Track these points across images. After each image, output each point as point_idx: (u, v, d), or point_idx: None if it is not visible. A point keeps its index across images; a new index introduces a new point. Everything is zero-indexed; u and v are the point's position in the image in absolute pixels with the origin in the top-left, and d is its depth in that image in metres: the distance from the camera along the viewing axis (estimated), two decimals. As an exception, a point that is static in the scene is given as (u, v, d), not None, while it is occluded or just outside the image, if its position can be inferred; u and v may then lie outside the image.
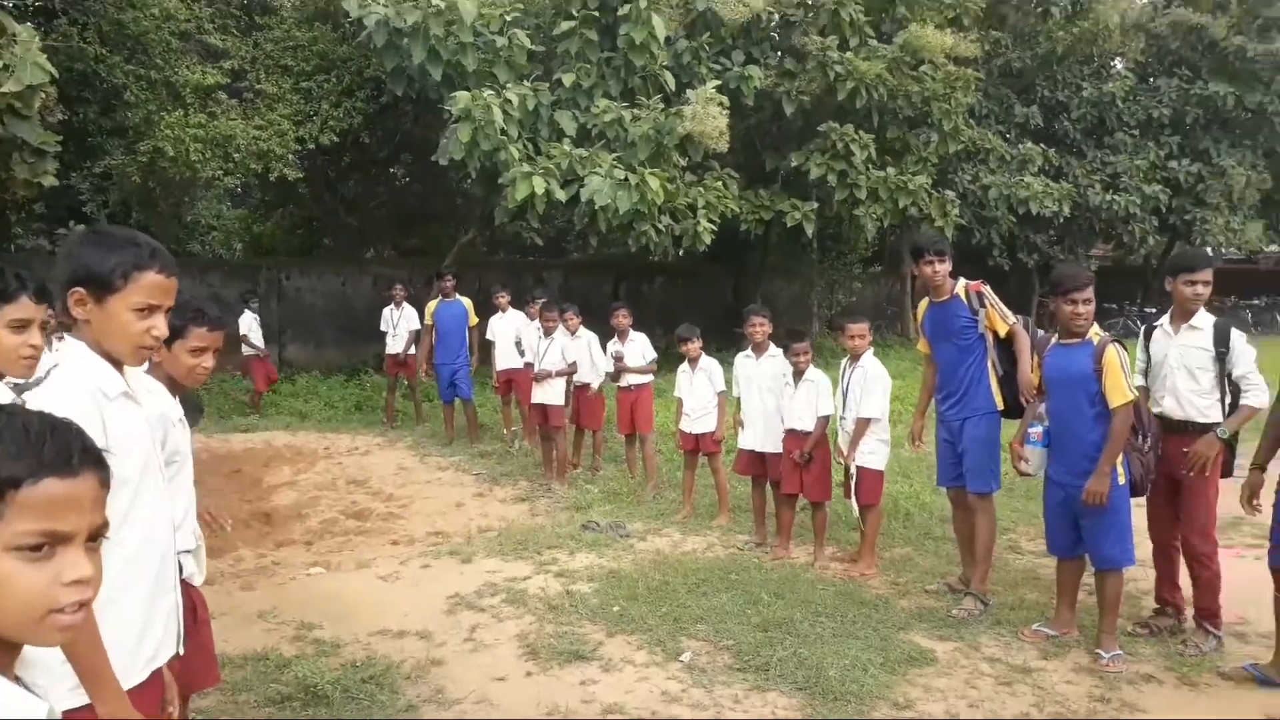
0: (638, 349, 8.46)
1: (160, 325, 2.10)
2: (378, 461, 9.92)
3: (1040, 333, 5.23)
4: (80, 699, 1.89)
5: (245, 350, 12.36)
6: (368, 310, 13.83)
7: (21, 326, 2.52)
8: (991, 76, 19.22)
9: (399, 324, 11.41)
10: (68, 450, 1.15)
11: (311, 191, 16.75)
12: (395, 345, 11.44)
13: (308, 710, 4.02)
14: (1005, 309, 5.20)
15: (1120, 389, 4.38)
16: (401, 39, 11.53)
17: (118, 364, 2.12)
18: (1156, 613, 5.01)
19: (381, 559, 6.44)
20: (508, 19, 12.26)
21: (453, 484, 8.92)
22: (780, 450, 6.30)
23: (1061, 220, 18.87)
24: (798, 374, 6.13)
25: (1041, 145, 18.88)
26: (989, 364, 5.18)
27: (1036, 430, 4.78)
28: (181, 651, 2.28)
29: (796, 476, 6.10)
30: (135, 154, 11.93)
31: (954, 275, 5.38)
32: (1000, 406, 5.20)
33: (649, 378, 8.47)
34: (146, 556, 2.09)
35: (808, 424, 6.06)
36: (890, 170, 14.65)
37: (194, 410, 3.36)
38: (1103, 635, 4.58)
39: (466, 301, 10.63)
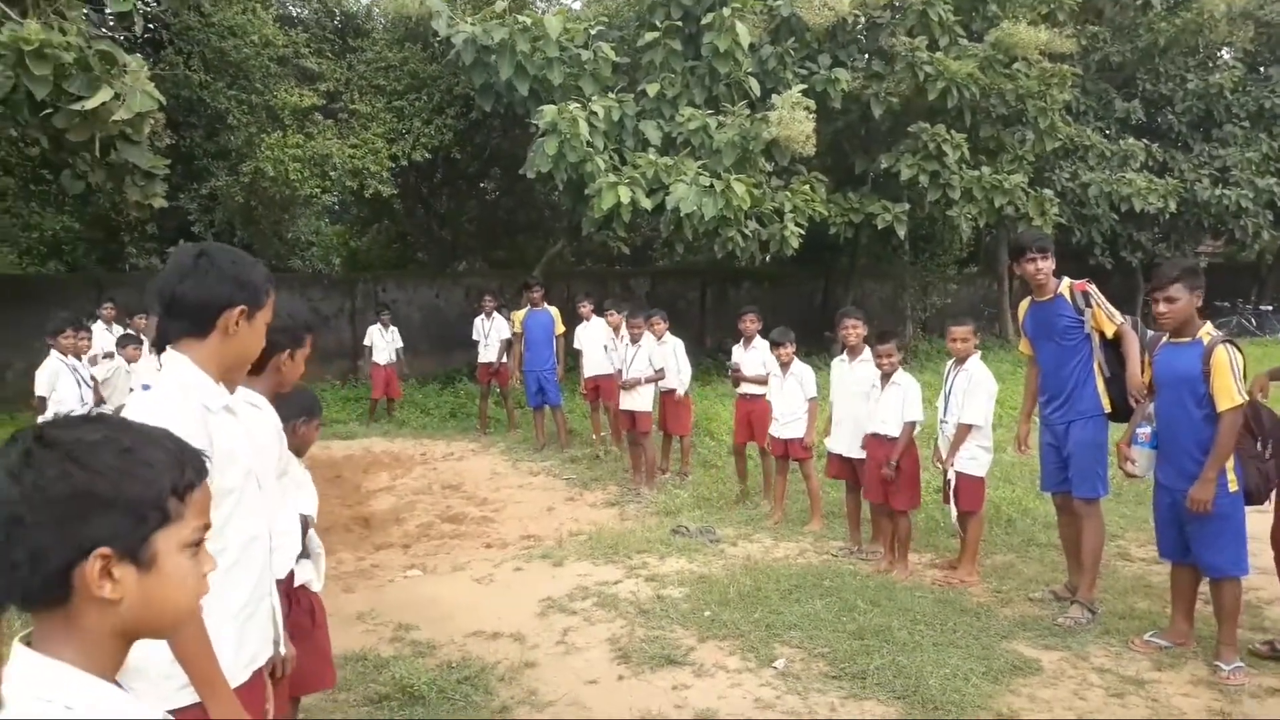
0: (758, 357, 8.00)
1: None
2: (472, 467, 10.10)
3: (1149, 332, 5.01)
4: (188, 698, 1.97)
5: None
6: (460, 320, 14.12)
7: None
8: (1089, 72, 18.58)
9: (490, 333, 11.66)
10: (200, 458, 1.28)
11: (405, 207, 17.22)
12: (487, 354, 11.68)
13: (405, 710, 4.09)
14: (1112, 309, 4.99)
15: (1228, 392, 4.17)
16: (489, 56, 11.76)
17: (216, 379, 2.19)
18: None
19: (476, 562, 6.55)
20: (592, 32, 12.40)
21: (544, 488, 9.02)
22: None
23: (1167, 217, 18.10)
24: (885, 377, 5.99)
25: (1144, 140, 18.15)
26: (1095, 365, 4.98)
27: (1145, 431, 4.58)
28: (283, 652, 2.34)
29: (880, 484, 5.96)
30: (238, 175, 12.44)
31: (1057, 274, 5.19)
32: (1107, 409, 4.99)
33: (765, 388, 7.76)
34: (248, 562, 2.16)
35: (891, 429, 5.92)
36: (985, 169, 14.28)
37: (314, 405, 3.49)
38: (1221, 646, 4.35)
39: (553, 310, 10.81)
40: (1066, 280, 5.12)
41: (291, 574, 2.99)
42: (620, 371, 8.86)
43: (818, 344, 17.56)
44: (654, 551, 6.46)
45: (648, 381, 8.48)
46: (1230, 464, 4.26)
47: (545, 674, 4.52)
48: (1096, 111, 18.80)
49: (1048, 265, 5.06)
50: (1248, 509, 4.38)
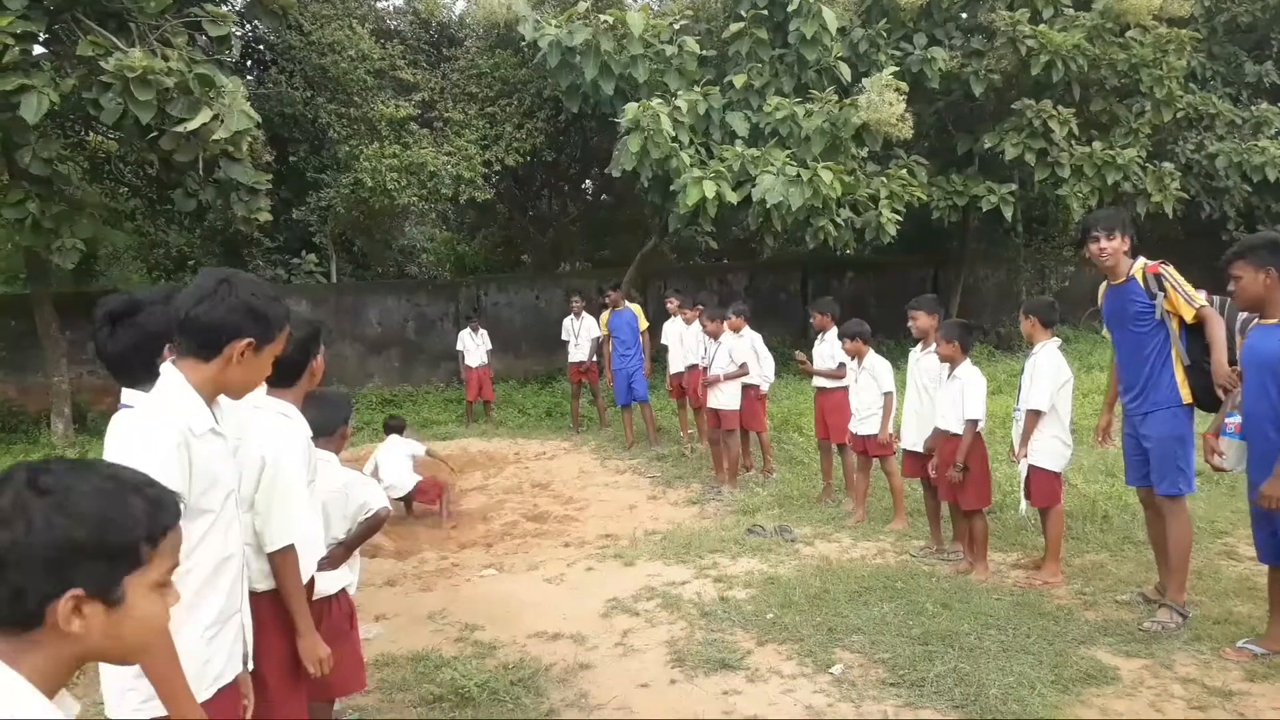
0: (828, 350, 7.84)
1: None
2: (562, 465, 10.21)
3: (1241, 315, 4.61)
4: (152, 711, 2.03)
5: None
6: (560, 321, 14.28)
7: None
8: (1215, 35, 17.31)
9: (580, 333, 11.78)
10: (175, 502, 1.39)
11: (506, 211, 17.53)
12: (578, 354, 11.80)
13: (456, 711, 4.14)
14: (1192, 291, 4.57)
15: None
16: (574, 57, 11.83)
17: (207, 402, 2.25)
18: None
19: (551, 561, 6.60)
20: (676, 27, 12.33)
21: (629, 487, 9.03)
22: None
23: (1308, 186, 16.72)
24: (949, 370, 5.75)
25: (1279, 105, 16.82)
26: (1172, 353, 4.62)
27: (1234, 421, 4.23)
28: (250, 668, 2.38)
29: (948, 483, 5.70)
30: (339, 186, 12.91)
31: (1133, 254, 4.83)
32: (1187, 400, 4.62)
33: (842, 382, 7.58)
34: (218, 580, 2.20)
35: (952, 424, 5.67)
36: (1096, 145, 13.53)
37: (323, 423, 3.56)
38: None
39: (635, 308, 10.94)
40: (1141, 261, 4.75)
41: (314, 582, 3.04)
42: (700, 368, 8.80)
43: (926, 334, 17.01)
44: (726, 551, 6.37)
45: (728, 378, 8.37)
46: None
47: (599, 676, 4.51)
48: (1225, 77, 17.51)
49: (1113, 244, 4.70)
50: None
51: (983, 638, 4.59)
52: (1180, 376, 4.60)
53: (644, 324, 10.83)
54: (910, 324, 6.33)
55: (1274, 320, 4.01)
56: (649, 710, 4.12)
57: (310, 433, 2.92)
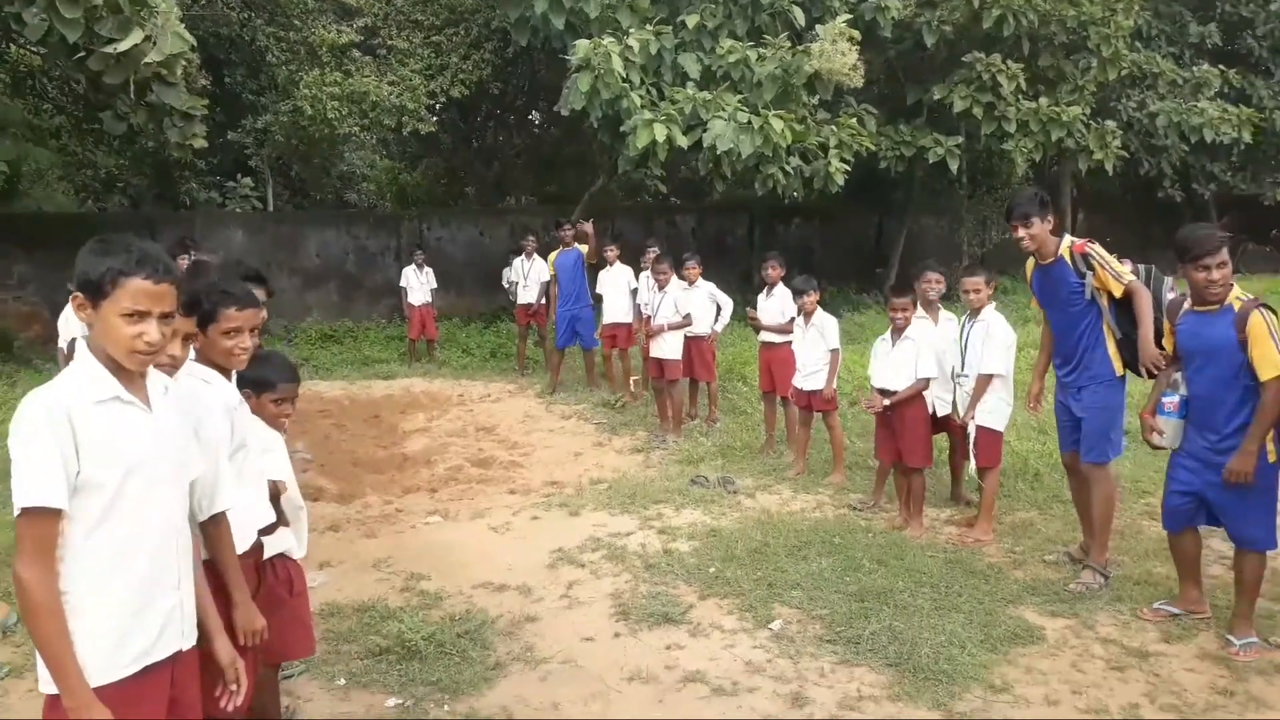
0: (777, 305, 7.91)
1: (151, 331, 2.11)
2: (507, 409, 10.19)
3: (1168, 283, 4.76)
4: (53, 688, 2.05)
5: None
6: (504, 258, 14.12)
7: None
8: (1163, -7, 17.57)
9: (529, 274, 11.67)
10: None
11: (450, 142, 17.14)
12: (526, 295, 11.71)
13: (401, 665, 4.18)
14: (1119, 268, 4.72)
15: (1271, 360, 3.95)
16: (524, -12, 11.50)
17: (122, 368, 2.15)
18: None
19: (496, 509, 6.63)
20: (631, -38, 12.02)
21: (574, 433, 9.07)
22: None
23: (1242, 148, 17.17)
24: (896, 331, 5.85)
25: (1220, 66, 17.14)
26: (1104, 328, 4.77)
27: (1172, 400, 4.38)
28: (188, 647, 2.32)
29: (891, 443, 5.85)
30: (278, 113, 12.48)
31: (1058, 233, 4.95)
32: (1120, 372, 4.79)
33: (788, 336, 7.58)
34: (129, 561, 2.13)
35: (899, 385, 5.80)
36: (1042, 101, 13.65)
37: (286, 370, 3.41)
38: (1236, 620, 4.21)
39: (582, 247, 10.76)
40: (1068, 240, 4.89)
41: (262, 545, 3.01)
42: (646, 318, 8.79)
43: (870, 281, 17.23)
44: (670, 502, 6.47)
45: (671, 329, 8.39)
46: (1270, 434, 4.06)
47: (545, 629, 4.58)
48: (1169, 36, 17.78)
49: (1034, 230, 4.80)
50: None
51: (916, 595, 4.76)
52: (1113, 350, 4.76)
53: (593, 260, 10.71)
54: (970, 294, 5.74)
55: (1212, 307, 4.14)
56: (594, 664, 4.20)
57: (236, 398, 2.83)
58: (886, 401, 5.79)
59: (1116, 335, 4.73)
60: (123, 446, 2.11)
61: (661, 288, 8.52)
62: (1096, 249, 4.80)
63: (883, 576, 5.00)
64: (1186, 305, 4.30)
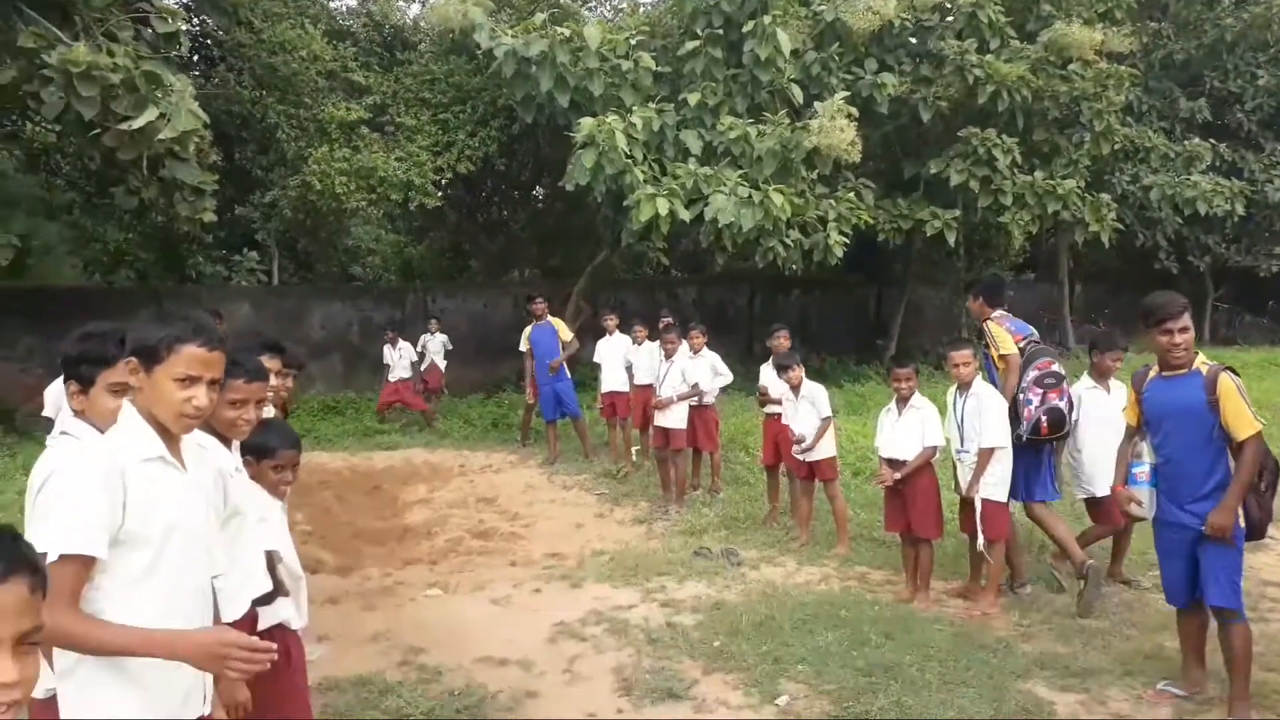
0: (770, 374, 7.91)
1: (200, 396, 2.22)
2: (508, 480, 10.15)
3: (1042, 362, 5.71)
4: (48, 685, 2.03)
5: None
6: (508, 330, 14.21)
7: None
8: (1152, 70, 17.95)
9: (401, 357, 12.53)
10: None
11: (455, 217, 17.40)
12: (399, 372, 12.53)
13: (400, 740, 4.10)
14: (1003, 340, 5.71)
15: (1246, 419, 4.01)
16: (530, 68, 11.80)
17: (165, 430, 2.24)
18: None
19: (498, 581, 6.56)
20: (633, 43, 12.36)
21: (576, 504, 9.02)
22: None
23: (1235, 220, 17.41)
24: (901, 400, 5.86)
25: (1211, 140, 17.46)
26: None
27: (1142, 469, 4.41)
28: (207, 713, 2.34)
29: (901, 513, 5.82)
30: (286, 188, 12.70)
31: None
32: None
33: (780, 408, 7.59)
34: (169, 620, 2.15)
35: (907, 455, 5.79)
36: (1037, 174, 13.88)
37: (288, 438, 3.41)
38: (1233, 701, 4.12)
39: (556, 322, 10.96)
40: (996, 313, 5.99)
41: (256, 615, 2.98)
42: (647, 388, 8.82)
43: (870, 352, 17.30)
44: (674, 574, 6.41)
45: (680, 399, 8.41)
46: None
47: (546, 705, 4.51)
48: (1160, 111, 18.15)
49: (975, 307, 6.13)
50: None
51: (924, 670, 4.69)
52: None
53: (566, 335, 10.81)
54: (959, 368, 5.67)
55: (1182, 371, 4.18)
56: (597, 742, 4.12)
57: (233, 465, 2.85)
58: (898, 475, 5.76)
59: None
60: (164, 506, 2.18)
61: (669, 357, 8.55)
62: (989, 326, 5.88)
63: (890, 650, 4.93)
64: (1152, 373, 4.34)
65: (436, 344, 13.69)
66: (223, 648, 2.05)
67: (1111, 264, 19.48)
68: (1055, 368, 5.67)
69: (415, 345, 13.46)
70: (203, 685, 2.30)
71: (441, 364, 13.73)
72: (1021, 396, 5.61)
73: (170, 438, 2.25)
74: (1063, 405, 5.57)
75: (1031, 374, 5.61)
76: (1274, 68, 18.31)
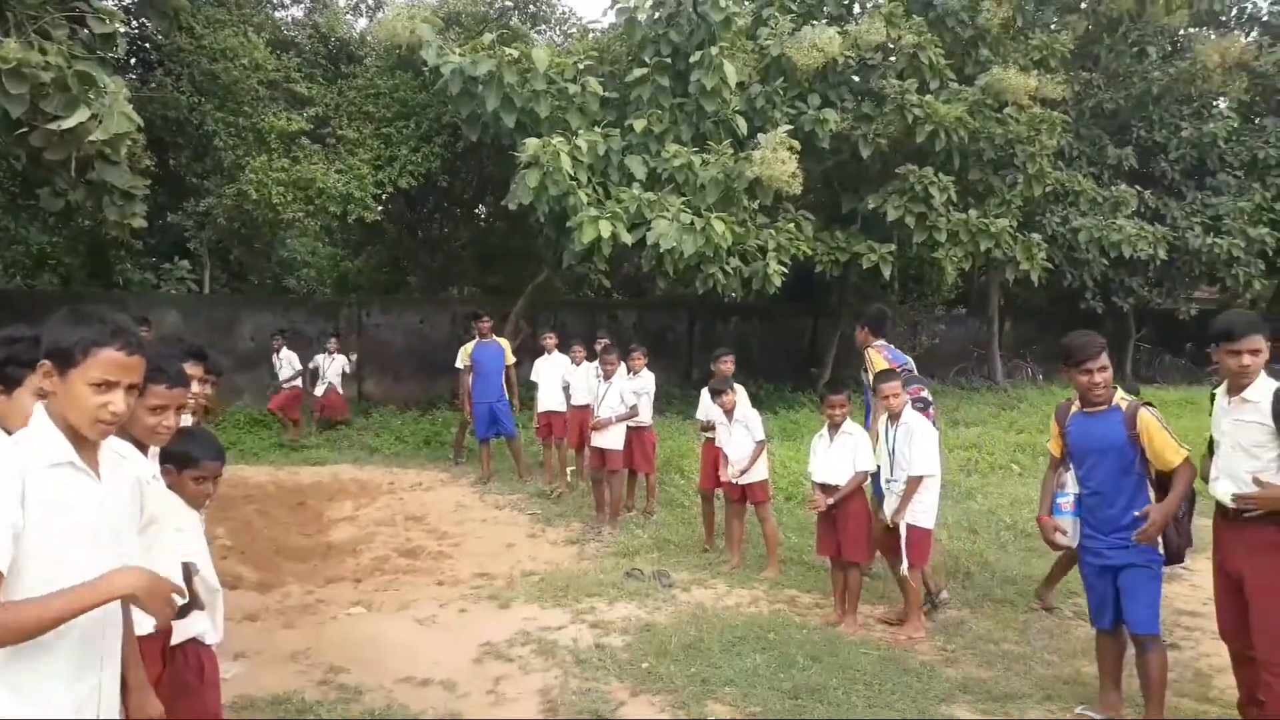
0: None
1: (117, 401, 2.13)
2: (439, 498, 10.00)
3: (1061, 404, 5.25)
4: None
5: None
6: (445, 347, 14.06)
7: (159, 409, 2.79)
8: (1083, 117, 18.63)
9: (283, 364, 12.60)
10: None
11: (395, 232, 17.22)
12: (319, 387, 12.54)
13: (316, 760, 3.98)
14: (879, 365, 6.19)
15: (1172, 447, 4.17)
16: (476, 87, 11.77)
17: (79, 435, 2.14)
18: None
19: (423, 600, 6.44)
20: (581, 67, 12.43)
21: (508, 523, 8.91)
22: None
23: (1158, 264, 18.08)
24: (834, 427, 5.93)
25: (1137, 187, 18.14)
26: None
27: (1066, 500, 4.55)
28: None
29: (832, 537, 5.87)
30: (222, 196, 12.44)
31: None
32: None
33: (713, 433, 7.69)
34: (63, 631, 2.05)
35: (839, 479, 5.85)
36: (971, 213, 14.26)
37: (212, 448, 3.29)
38: (1149, 728, 4.23)
39: (503, 341, 10.88)
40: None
41: (170, 628, 2.86)
42: (584, 408, 8.80)
43: (804, 380, 17.50)
44: (604, 595, 6.35)
45: (619, 420, 8.39)
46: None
47: (468, 726, 4.42)
48: (1089, 157, 18.82)
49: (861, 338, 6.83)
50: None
51: (850, 693, 4.71)
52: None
53: (510, 359, 10.74)
54: (889, 399, 5.70)
55: (1102, 407, 4.32)
56: (519, 763, 4.05)
57: (150, 472, 2.75)
58: (830, 500, 5.81)
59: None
60: (70, 513, 2.07)
61: (608, 378, 8.53)
62: (869, 352, 6.56)
63: (817, 673, 4.94)
64: (1074, 408, 4.47)
65: (335, 367, 13.20)
66: (152, 578, 2.02)
67: (1040, 302, 20.06)
68: (925, 394, 6.27)
69: (308, 362, 13.16)
70: (98, 702, 2.17)
71: (340, 388, 13.30)
72: None
73: (84, 443, 2.15)
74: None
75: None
76: (1197, 121, 19.12)
